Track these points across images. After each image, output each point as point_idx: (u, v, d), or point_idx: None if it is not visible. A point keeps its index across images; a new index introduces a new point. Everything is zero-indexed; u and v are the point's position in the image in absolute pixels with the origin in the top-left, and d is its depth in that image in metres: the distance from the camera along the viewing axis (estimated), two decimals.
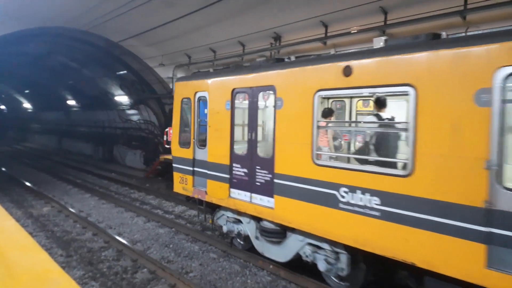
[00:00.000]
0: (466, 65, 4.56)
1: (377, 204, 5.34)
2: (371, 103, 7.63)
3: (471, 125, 4.48)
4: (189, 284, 7.09)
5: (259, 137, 7.67)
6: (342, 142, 8.10)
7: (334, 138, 7.73)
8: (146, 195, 16.00)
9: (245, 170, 7.62)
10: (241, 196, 7.74)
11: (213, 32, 14.55)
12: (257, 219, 7.77)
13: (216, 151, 8.32)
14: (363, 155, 6.49)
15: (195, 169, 9.04)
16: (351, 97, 8.21)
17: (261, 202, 7.28)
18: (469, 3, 8.41)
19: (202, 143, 8.89)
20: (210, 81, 8.59)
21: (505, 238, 4.23)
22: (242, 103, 8.14)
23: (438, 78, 4.78)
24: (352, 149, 7.89)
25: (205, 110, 8.93)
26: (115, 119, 27.46)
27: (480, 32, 8.22)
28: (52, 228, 11.10)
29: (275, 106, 6.93)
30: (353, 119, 8.35)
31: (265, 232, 7.57)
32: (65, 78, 28.64)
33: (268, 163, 7.09)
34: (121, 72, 21.38)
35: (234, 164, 7.87)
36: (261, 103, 7.74)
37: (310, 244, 6.80)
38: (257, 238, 7.95)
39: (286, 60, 8.33)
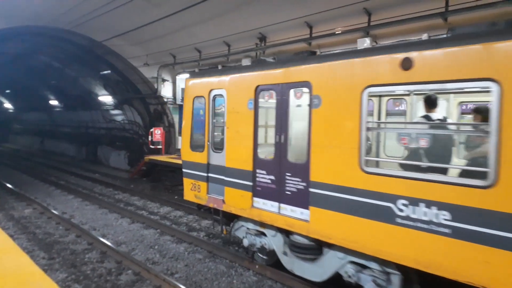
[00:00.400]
0: None
1: (447, 220, 4.60)
2: (411, 102, 6.98)
3: None
4: (174, 285, 7.04)
5: (289, 140, 6.72)
6: (404, 147, 6.87)
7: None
8: (131, 196, 15.83)
9: (272, 177, 6.79)
10: (267, 206, 6.89)
11: (198, 32, 14.50)
12: (285, 232, 6.96)
13: (235, 155, 7.48)
14: (429, 161, 5.53)
15: (210, 175, 8.15)
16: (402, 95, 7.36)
17: (292, 214, 6.42)
18: (450, 5, 8.58)
19: (219, 147, 8.05)
20: (228, 77, 7.69)
21: None
22: (268, 101, 7.40)
23: None
24: (412, 154, 6.24)
25: (220, 109, 8.19)
26: (99, 119, 27.13)
27: None
28: (34, 230, 10.89)
29: (310, 105, 6.09)
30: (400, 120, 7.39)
31: (296, 248, 6.71)
32: (48, 77, 28.17)
33: (302, 170, 6.24)
34: (105, 72, 21.13)
35: (258, 170, 7.04)
36: (292, 102, 6.85)
37: (352, 262, 5.97)
38: (285, 253, 7.07)
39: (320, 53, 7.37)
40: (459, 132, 6.03)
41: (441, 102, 6.68)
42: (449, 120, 6.21)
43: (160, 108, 19.58)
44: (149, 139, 18.53)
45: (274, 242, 7.31)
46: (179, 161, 16.36)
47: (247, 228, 7.85)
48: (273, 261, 7.62)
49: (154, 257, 8.90)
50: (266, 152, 7.20)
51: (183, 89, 18.53)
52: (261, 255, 7.73)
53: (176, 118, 19.19)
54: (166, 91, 18.96)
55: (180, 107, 18.96)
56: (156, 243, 9.85)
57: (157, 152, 18.58)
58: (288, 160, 6.57)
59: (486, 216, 4.29)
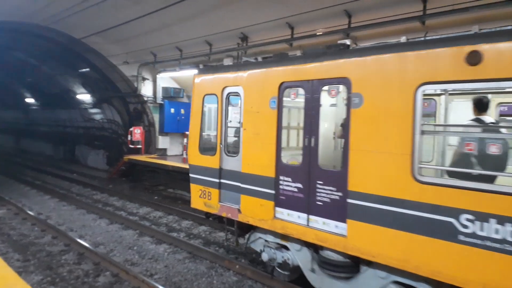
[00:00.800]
0: None
1: None
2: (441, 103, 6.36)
3: None
4: (153, 286, 6.97)
5: (321, 144, 6.00)
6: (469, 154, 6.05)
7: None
8: (110, 196, 15.61)
9: (299, 185, 6.07)
10: (292, 217, 6.15)
11: (179, 30, 14.38)
12: (312, 246, 6.33)
13: (254, 159, 6.75)
14: (499, 170, 4.88)
15: (222, 181, 7.44)
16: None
17: (325, 227, 5.71)
18: (428, 8, 8.77)
19: (233, 150, 7.38)
20: (246, 73, 6.95)
21: None
22: (294, 100, 6.68)
23: None
24: (472, 161, 5.39)
25: (235, 108, 7.59)
26: (77, 118, 26.64)
27: None
28: (8, 231, 10.61)
29: (349, 104, 5.41)
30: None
31: (327, 265, 6.02)
32: (24, 75, 27.45)
33: (337, 178, 5.55)
34: (84, 70, 20.74)
35: (281, 177, 6.30)
36: (324, 100, 6.14)
37: (397, 282, 5.32)
38: (313, 271, 6.38)
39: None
40: None
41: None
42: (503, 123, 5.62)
43: (140, 107, 19.35)
44: (129, 138, 18.29)
45: (299, 257, 6.57)
46: (159, 161, 16.34)
47: (265, 241, 7.11)
48: (296, 277, 6.94)
49: (133, 258, 8.79)
50: (292, 157, 6.59)
51: (163, 88, 18.41)
52: (282, 271, 6.99)
53: (156, 117, 18.99)
54: (146, 90, 18.73)
55: (160, 106, 18.77)
56: (135, 244, 9.74)
57: (137, 151, 18.36)
58: (319, 166, 5.85)
59: None
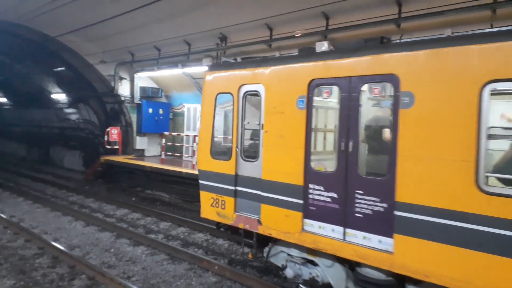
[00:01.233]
0: None
1: None
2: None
3: None
4: None
5: (361, 148, 5.44)
6: None
7: None
8: (86, 198, 15.31)
9: (333, 195, 5.45)
10: (325, 231, 5.51)
11: (157, 30, 14.24)
12: (347, 262, 5.69)
13: (277, 165, 6.10)
14: None
15: (239, 188, 6.75)
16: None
17: (365, 243, 5.09)
18: (403, 12, 8.97)
19: (251, 154, 6.77)
20: (268, 70, 6.31)
21: None
22: (326, 99, 6.12)
23: None
24: None
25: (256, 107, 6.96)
26: (52, 118, 26.04)
27: None
28: None
29: (396, 104, 4.83)
30: None
31: (367, 284, 5.42)
32: None
33: (382, 187, 4.96)
34: (59, 69, 20.29)
35: (311, 185, 5.68)
36: (365, 100, 5.62)
37: None
38: None
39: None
40: None
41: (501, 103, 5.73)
42: None
43: (117, 107, 19.05)
44: (105, 139, 17.96)
45: (331, 274, 5.91)
46: (137, 162, 16.14)
47: (288, 255, 6.45)
48: None
49: (109, 260, 8.64)
50: (324, 163, 6.03)
51: (141, 88, 18.18)
52: None
53: (134, 118, 18.75)
54: (123, 89, 18.46)
55: (138, 106, 18.53)
56: (112, 246, 9.58)
57: (114, 152, 18.06)
58: (358, 174, 5.22)
59: None
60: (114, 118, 19.22)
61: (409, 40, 5.47)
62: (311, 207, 5.68)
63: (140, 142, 18.76)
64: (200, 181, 7.40)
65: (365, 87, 5.38)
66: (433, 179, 4.45)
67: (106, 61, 17.39)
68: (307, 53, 6.13)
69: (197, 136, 15.57)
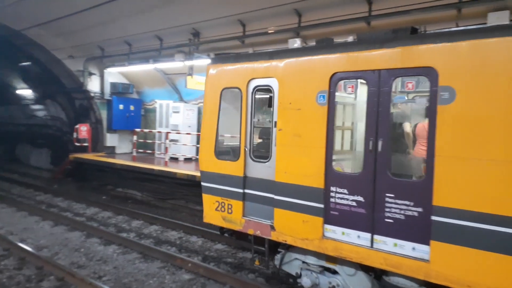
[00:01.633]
0: None
1: None
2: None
3: None
4: None
5: (392, 148, 5.09)
6: None
7: None
8: (54, 197, 14.88)
9: (359, 199, 5.05)
10: (350, 237, 5.11)
11: (128, 24, 13.96)
12: (372, 270, 5.31)
13: (293, 166, 5.65)
14: None
15: (248, 191, 6.27)
16: None
17: (397, 250, 4.71)
18: (373, 10, 9.15)
19: (262, 154, 6.31)
20: (283, 62, 5.79)
21: None
22: (350, 95, 5.76)
23: None
24: None
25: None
26: (17, 115, 25.21)
27: None
28: None
29: (434, 100, 4.45)
30: None
31: None
32: None
33: (416, 190, 4.63)
34: (25, 64, 19.59)
35: (333, 188, 5.25)
36: (397, 95, 5.28)
37: None
38: None
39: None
40: None
41: None
42: None
43: (86, 103, 18.59)
44: (74, 136, 17.50)
45: (354, 283, 5.50)
46: (108, 160, 15.81)
47: (303, 262, 6.02)
48: None
49: (79, 260, 8.45)
50: (347, 164, 5.65)
51: (111, 83, 17.79)
52: None
53: (104, 114, 18.33)
54: (93, 85, 18.01)
55: (108, 102, 18.13)
56: (82, 246, 9.37)
57: (84, 150, 17.62)
58: (389, 175, 4.82)
59: None
60: (83, 114, 18.77)
61: (448, 30, 5.14)
62: (333, 212, 5.28)
63: (111, 139, 18.38)
64: (203, 183, 6.91)
65: (397, 81, 4.99)
66: (476, 181, 4.14)
67: (74, 56, 16.93)
68: (327, 44, 5.65)
69: (169, 132, 15.44)
